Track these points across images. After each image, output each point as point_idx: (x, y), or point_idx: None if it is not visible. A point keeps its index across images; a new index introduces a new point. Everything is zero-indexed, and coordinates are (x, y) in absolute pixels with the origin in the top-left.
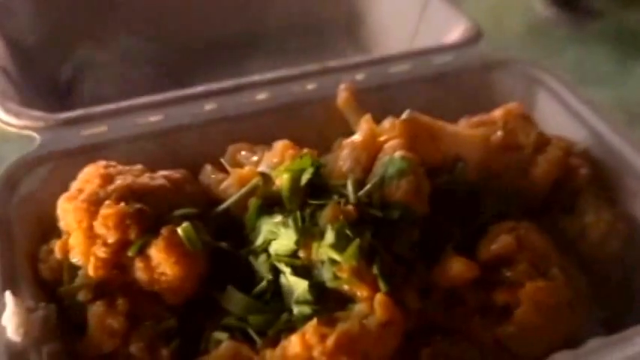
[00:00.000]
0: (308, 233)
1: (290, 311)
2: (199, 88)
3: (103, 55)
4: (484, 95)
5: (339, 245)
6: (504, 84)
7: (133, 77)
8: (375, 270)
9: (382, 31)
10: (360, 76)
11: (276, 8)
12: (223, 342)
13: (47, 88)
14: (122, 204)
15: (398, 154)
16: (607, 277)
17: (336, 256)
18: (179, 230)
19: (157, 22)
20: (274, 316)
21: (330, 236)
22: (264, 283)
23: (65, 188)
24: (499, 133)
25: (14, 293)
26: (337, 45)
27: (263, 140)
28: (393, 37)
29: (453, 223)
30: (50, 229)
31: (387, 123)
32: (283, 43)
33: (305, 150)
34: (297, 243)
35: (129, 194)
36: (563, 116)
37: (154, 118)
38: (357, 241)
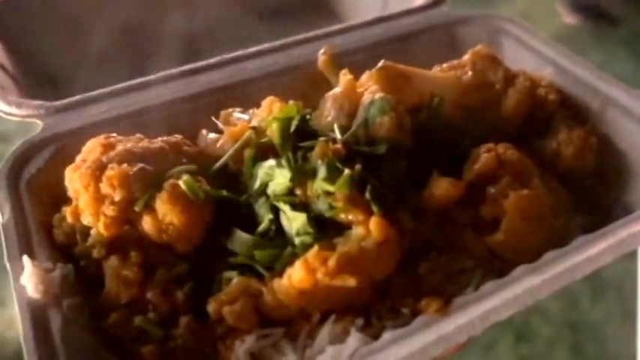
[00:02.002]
0: (301, 171)
1: (293, 246)
2: (188, 66)
3: (90, 50)
4: (452, 48)
5: (331, 177)
6: (470, 36)
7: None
8: (367, 195)
9: (354, 6)
10: (337, 41)
11: None
12: (233, 279)
13: (42, 81)
14: (125, 165)
15: (378, 95)
16: (584, 189)
17: (329, 188)
18: (181, 182)
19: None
20: (279, 251)
21: (322, 171)
22: (265, 222)
23: (70, 163)
24: (469, 73)
25: (31, 258)
26: (314, 22)
27: (251, 107)
28: (364, 10)
29: (437, 153)
30: (61, 201)
31: (364, 76)
32: (264, 26)
33: (291, 101)
34: (292, 180)
35: (130, 157)
36: (528, 57)
37: (149, 95)
38: (347, 172)
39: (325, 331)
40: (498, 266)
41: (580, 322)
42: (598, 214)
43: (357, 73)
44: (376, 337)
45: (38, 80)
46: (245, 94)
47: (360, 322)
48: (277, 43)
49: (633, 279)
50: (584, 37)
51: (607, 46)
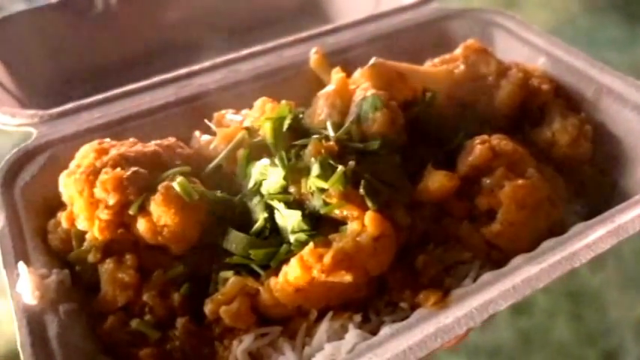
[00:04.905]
0: (295, 169)
1: (289, 244)
2: (182, 71)
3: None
4: (445, 43)
5: (325, 175)
6: (462, 31)
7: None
8: (361, 191)
9: (347, 8)
10: (330, 40)
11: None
12: (230, 279)
13: (37, 93)
14: (118, 169)
15: (369, 92)
16: (581, 176)
17: (323, 185)
18: (174, 184)
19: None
20: (274, 249)
21: (315, 168)
22: (260, 221)
23: (65, 170)
24: (461, 67)
25: (27, 265)
26: (309, 27)
27: (244, 108)
28: (357, 12)
29: (431, 147)
30: (55, 207)
31: (357, 73)
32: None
33: (283, 101)
34: (285, 178)
35: (124, 161)
36: (520, 49)
37: (142, 100)
38: (340, 168)
39: (323, 329)
40: (496, 257)
41: (579, 290)
42: (596, 201)
43: (351, 71)
44: (375, 332)
45: (32, 92)
46: (237, 96)
47: (358, 318)
48: (270, 44)
49: (632, 245)
50: (574, 3)
51: (597, 11)
